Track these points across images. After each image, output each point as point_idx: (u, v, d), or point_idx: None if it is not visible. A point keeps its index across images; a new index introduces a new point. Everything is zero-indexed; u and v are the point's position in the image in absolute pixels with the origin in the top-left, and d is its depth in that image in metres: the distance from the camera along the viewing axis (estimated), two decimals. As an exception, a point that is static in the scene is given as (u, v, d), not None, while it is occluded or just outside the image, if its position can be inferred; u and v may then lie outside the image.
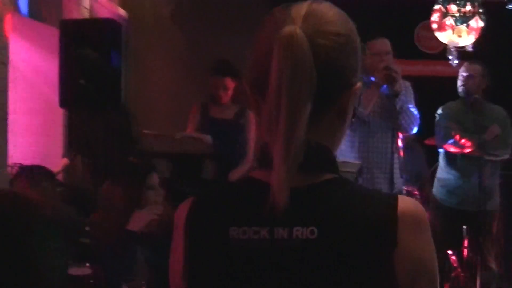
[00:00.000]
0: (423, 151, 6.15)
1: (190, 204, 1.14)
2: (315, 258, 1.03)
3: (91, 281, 2.85)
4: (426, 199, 5.36)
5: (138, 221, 2.89)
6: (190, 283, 1.10)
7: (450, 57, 5.02)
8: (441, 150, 4.90)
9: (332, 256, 1.03)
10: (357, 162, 3.83)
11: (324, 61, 1.05)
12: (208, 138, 4.65)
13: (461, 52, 4.99)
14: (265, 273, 1.05)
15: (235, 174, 4.69)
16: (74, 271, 2.87)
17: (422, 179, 6.07)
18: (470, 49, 4.89)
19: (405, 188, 4.99)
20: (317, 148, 1.08)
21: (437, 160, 5.12)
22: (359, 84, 1.13)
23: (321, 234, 1.03)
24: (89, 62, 4.00)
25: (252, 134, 4.85)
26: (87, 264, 2.89)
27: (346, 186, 1.10)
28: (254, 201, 1.08)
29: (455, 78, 4.87)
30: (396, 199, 1.07)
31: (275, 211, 1.01)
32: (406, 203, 1.07)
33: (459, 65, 4.98)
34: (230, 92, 4.80)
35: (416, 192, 5.64)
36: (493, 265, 4.71)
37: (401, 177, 4.37)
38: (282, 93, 1.00)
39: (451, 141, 4.65)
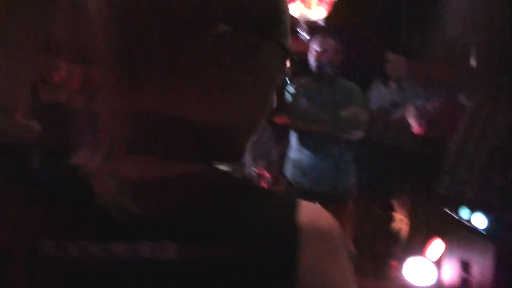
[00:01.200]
0: (271, 130, 5.97)
1: None
2: None
3: None
4: (276, 180, 5.18)
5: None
6: None
7: (300, 32, 4.78)
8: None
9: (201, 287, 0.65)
10: None
11: None
12: (36, 125, 4.11)
13: (312, 27, 4.78)
14: None
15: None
16: None
17: (270, 159, 5.90)
18: (321, 23, 4.67)
19: (254, 170, 4.79)
20: (172, 121, 0.74)
21: (286, 138, 4.93)
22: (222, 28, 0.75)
23: (182, 252, 0.64)
24: None
25: None
26: None
27: (224, 182, 0.72)
28: (75, 203, 0.72)
29: (304, 54, 4.68)
30: (295, 204, 0.71)
31: (103, 216, 0.66)
32: (311, 211, 0.72)
33: (309, 41, 4.78)
34: (62, 71, 4.28)
35: (267, 174, 5.45)
36: (350, 245, 4.58)
37: (252, 159, 4.13)
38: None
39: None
